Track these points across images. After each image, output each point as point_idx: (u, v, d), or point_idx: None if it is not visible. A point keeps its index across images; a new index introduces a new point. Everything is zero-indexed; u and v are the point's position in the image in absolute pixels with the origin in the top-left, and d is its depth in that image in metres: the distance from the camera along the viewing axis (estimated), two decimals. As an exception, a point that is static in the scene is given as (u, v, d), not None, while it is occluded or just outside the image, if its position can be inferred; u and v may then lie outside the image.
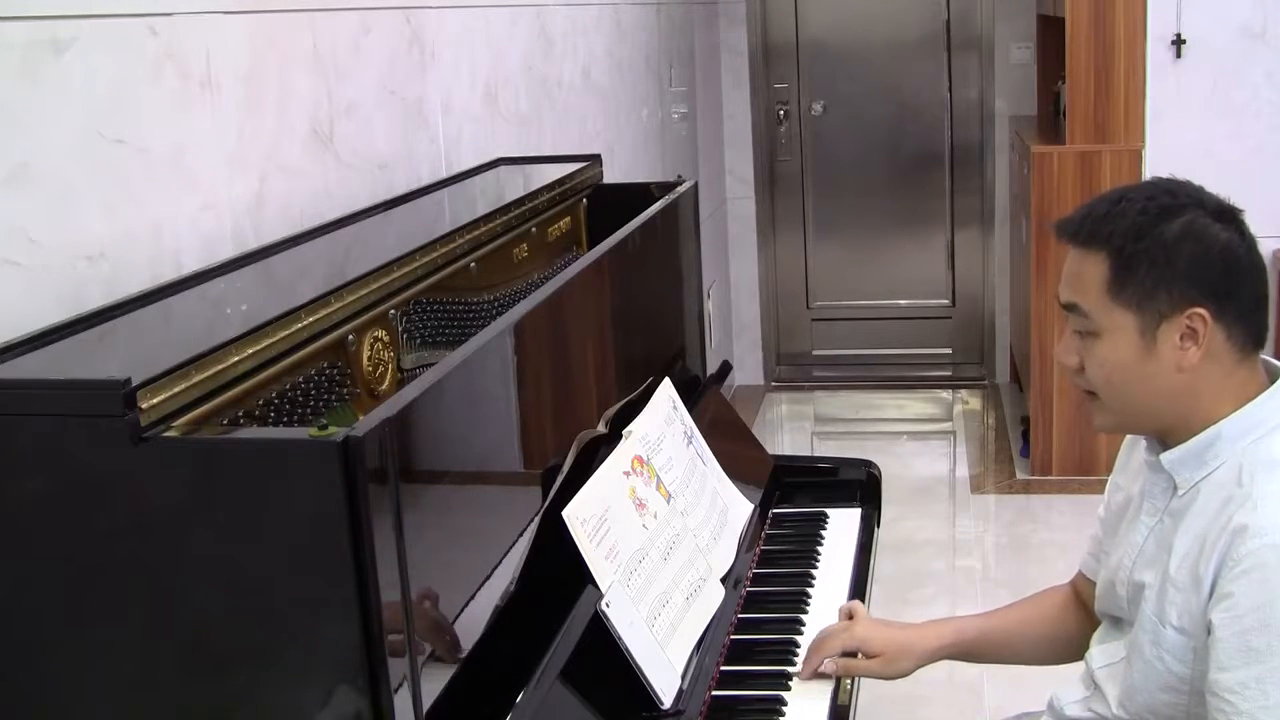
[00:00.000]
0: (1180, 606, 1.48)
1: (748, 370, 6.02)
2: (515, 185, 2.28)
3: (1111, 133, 4.47)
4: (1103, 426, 1.59)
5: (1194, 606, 1.46)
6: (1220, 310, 1.47)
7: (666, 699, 1.63)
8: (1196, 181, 1.56)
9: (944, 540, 4.32)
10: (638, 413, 1.94)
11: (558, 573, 1.59)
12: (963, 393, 5.86)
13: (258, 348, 1.27)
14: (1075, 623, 1.82)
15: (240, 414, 1.26)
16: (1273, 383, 1.53)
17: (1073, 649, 1.80)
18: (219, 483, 1.14)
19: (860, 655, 1.79)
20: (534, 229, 2.02)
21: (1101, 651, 1.66)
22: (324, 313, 1.39)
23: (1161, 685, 1.52)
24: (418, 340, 1.63)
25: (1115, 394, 1.54)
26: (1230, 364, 1.50)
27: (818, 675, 1.78)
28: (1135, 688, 1.56)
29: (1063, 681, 1.75)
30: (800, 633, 1.93)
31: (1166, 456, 1.53)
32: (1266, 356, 1.56)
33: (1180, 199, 1.51)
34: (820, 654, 1.79)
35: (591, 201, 2.34)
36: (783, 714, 1.72)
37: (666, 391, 2.06)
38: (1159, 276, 1.47)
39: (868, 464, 2.47)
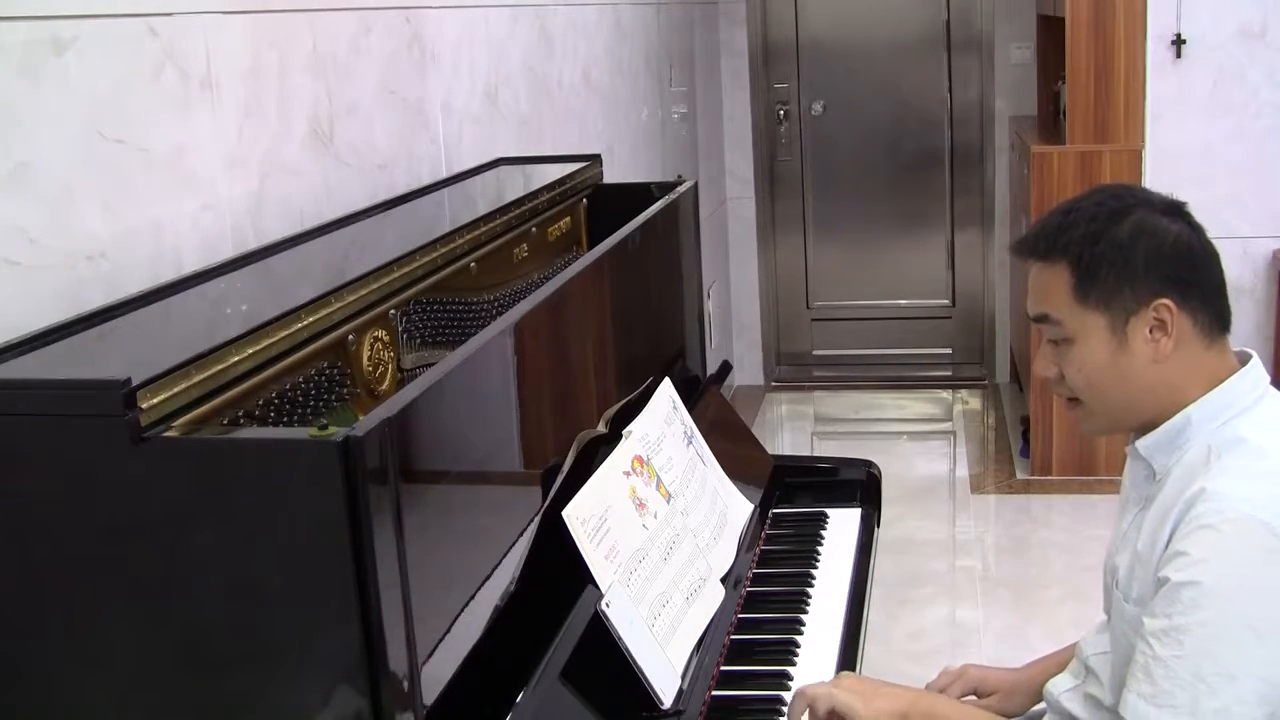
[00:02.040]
0: (1140, 580, 1.52)
1: (748, 370, 6.02)
2: (515, 185, 2.28)
3: (1111, 133, 4.47)
4: (1091, 430, 1.63)
5: (1149, 574, 1.50)
6: (1184, 298, 1.52)
7: (666, 699, 1.63)
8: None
9: (944, 540, 4.31)
10: (638, 413, 1.94)
11: (558, 573, 1.59)
12: (963, 393, 5.86)
13: (258, 348, 1.27)
14: None
15: (240, 414, 1.26)
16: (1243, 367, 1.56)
17: None
18: (219, 483, 1.14)
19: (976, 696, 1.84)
20: (534, 229, 2.02)
21: (1093, 640, 1.67)
22: (324, 313, 1.39)
23: (1128, 661, 1.53)
24: (418, 340, 1.63)
25: (1096, 395, 1.57)
26: (1199, 349, 1.54)
27: None
28: (1114, 668, 1.58)
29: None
30: (800, 632, 1.93)
31: (1142, 443, 1.57)
32: (1246, 348, 1.59)
33: (1126, 200, 1.56)
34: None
35: (591, 201, 2.34)
36: (782, 714, 1.72)
37: (666, 391, 2.06)
38: (1120, 275, 1.52)
39: (868, 464, 2.47)
